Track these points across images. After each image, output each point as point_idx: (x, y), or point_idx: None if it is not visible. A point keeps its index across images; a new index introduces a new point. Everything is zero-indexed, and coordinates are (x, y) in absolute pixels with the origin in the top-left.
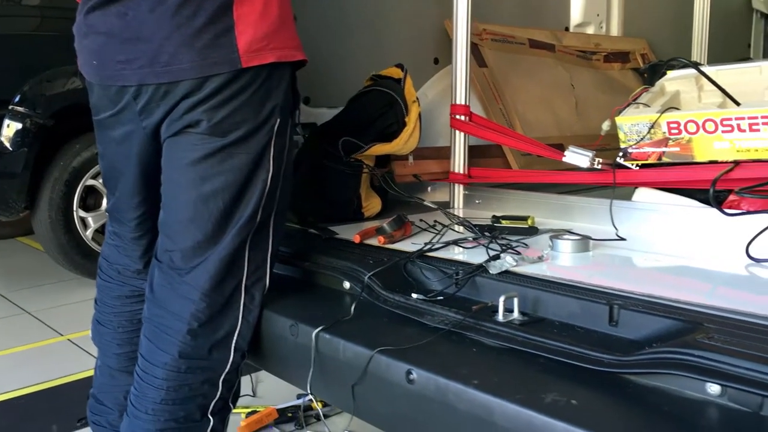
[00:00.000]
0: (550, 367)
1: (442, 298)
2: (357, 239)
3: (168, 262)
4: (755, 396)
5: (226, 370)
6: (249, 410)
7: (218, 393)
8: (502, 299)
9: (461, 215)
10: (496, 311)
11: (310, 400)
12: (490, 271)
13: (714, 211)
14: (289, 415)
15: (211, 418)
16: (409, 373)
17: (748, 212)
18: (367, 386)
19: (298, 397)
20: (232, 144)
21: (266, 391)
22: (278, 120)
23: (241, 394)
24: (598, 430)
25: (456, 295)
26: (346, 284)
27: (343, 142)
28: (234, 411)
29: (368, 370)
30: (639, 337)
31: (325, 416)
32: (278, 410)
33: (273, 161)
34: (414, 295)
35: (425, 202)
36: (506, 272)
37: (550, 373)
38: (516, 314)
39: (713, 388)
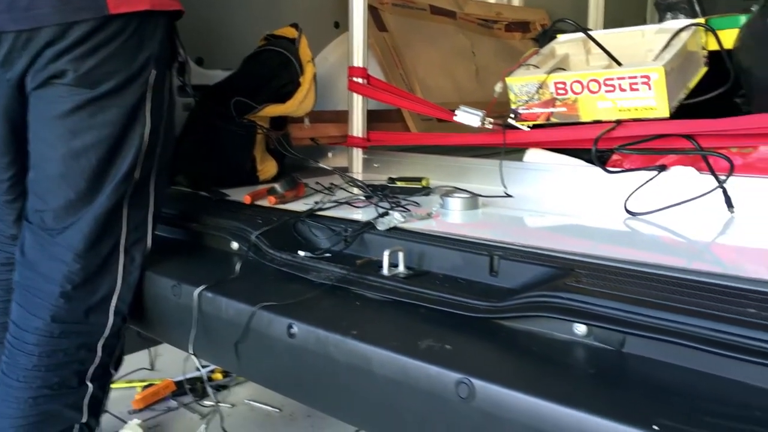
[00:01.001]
0: (429, 317)
1: (329, 255)
2: (247, 200)
3: (39, 223)
4: (618, 334)
5: (105, 334)
6: (145, 383)
7: (97, 358)
8: (386, 253)
9: (360, 179)
10: (382, 266)
11: (212, 371)
12: (378, 228)
13: (598, 170)
14: (188, 387)
15: (89, 384)
16: (290, 327)
17: (629, 170)
18: (250, 343)
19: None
20: (103, 96)
21: (165, 365)
22: (154, 72)
23: (139, 367)
24: (468, 371)
25: (344, 252)
26: (234, 245)
27: (235, 102)
28: (129, 385)
29: (250, 327)
30: (516, 285)
31: (225, 387)
32: (176, 382)
33: (150, 116)
34: (301, 253)
35: (321, 164)
36: (395, 229)
37: (429, 322)
38: (401, 268)
39: (580, 329)
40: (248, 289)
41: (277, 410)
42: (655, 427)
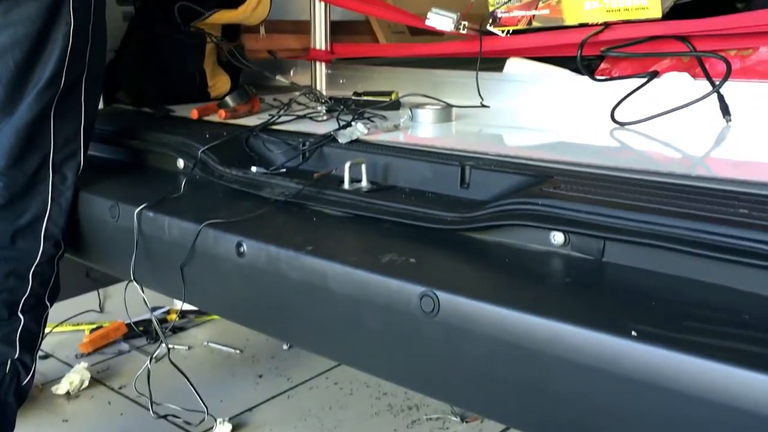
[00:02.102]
0: (393, 231)
1: (285, 170)
2: (194, 114)
3: None
4: (596, 241)
5: (36, 261)
6: (94, 326)
7: (28, 288)
8: (347, 165)
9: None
10: (342, 181)
11: (167, 312)
12: (340, 140)
13: (585, 79)
14: (141, 329)
15: (21, 316)
16: (239, 245)
17: (618, 77)
18: (196, 266)
19: (153, 310)
20: None
21: (116, 307)
22: None
23: (87, 309)
24: (433, 284)
25: (301, 167)
26: (180, 162)
27: (180, 7)
28: (77, 328)
29: (196, 248)
30: (489, 197)
31: (183, 329)
32: (128, 324)
33: (74, 13)
34: (254, 169)
35: (280, 79)
36: (357, 142)
37: (392, 237)
38: (364, 183)
39: (556, 238)
40: (194, 208)
41: (238, 352)
42: (634, 333)
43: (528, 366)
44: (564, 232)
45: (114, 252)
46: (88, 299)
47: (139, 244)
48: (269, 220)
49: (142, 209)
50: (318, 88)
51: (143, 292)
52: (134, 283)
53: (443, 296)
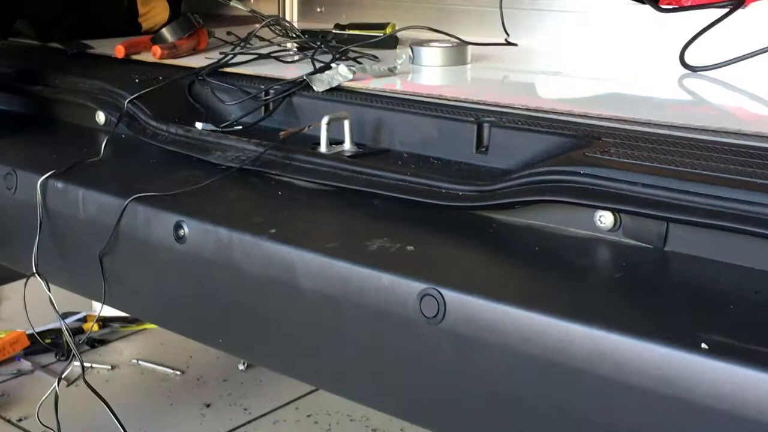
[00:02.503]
0: (385, 210)
1: (240, 128)
2: (120, 52)
3: None
4: (657, 224)
5: None
6: None
7: None
8: (325, 121)
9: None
10: (318, 142)
11: (83, 320)
12: (315, 88)
13: (646, 9)
14: (48, 341)
15: None
16: (178, 227)
17: (690, 7)
18: (121, 255)
19: (64, 317)
20: None
21: (14, 312)
22: None
23: None
24: (437, 279)
25: (263, 124)
26: (100, 117)
27: None
28: None
29: (121, 230)
30: (515, 164)
31: (104, 342)
32: (30, 335)
33: None
34: (199, 125)
35: (235, 4)
36: (339, 90)
37: (384, 217)
38: (347, 145)
39: (604, 219)
40: (118, 176)
41: (178, 373)
42: (705, 346)
43: (565, 389)
44: (614, 211)
45: (10, 236)
46: None
47: (44, 225)
48: (219, 193)
49: (47, 178)
50: (287, 18)
51: (49, 290)
52: (37, 278)
53: (451, 296)
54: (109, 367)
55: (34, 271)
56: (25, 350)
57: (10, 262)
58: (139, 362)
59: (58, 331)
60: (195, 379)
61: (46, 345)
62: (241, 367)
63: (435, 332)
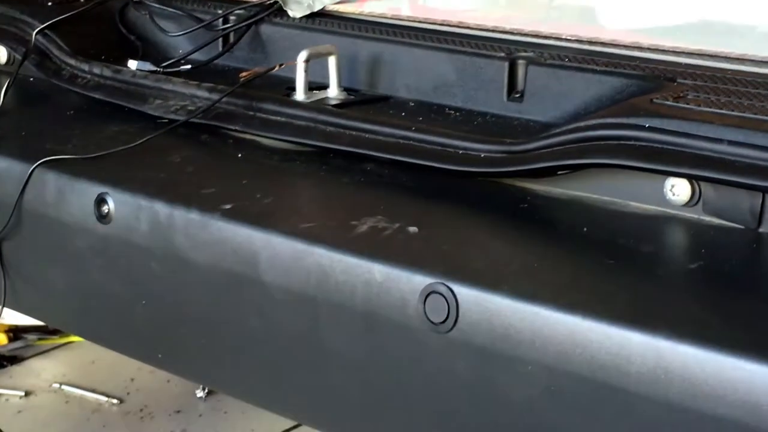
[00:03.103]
0: (381, 177)
1: (189, 67)
2: None
3: None
4: (750, 197)
5: None
6: None
7: None
8: (302, 59)
9: None
10: (293, 87)
11: None
12: (290, 13)
13: None
14: None
15: None
16: (101, 201)
17: None
18: (26, 238)
19: None
20: None
21: None
22: None
23: None
24: (448, 273)
25: (220, 63)
26: (1, 53)
27: None
28: None
29: (24, 204)
30: (558, 116)
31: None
32: None
33: None
34: (132, 64)
35: None
36: (322, 15)
37: (380, 187)
38: (333, 90)
39: (677, 189)
40: (22, 133)
41: (115, 401)
42: None
43: (619, 421)
44: (691, 178)
45: None
46: None
47: None
48: (157, 156)
49: None
50: None
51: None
52: None
53: (465, 294)
54: (23, 394)
55: None
56: None
57: None
58: (63, 387)
59: None
60: (138, 410)
61: None
62: (199, 393)
63: (443, 342)
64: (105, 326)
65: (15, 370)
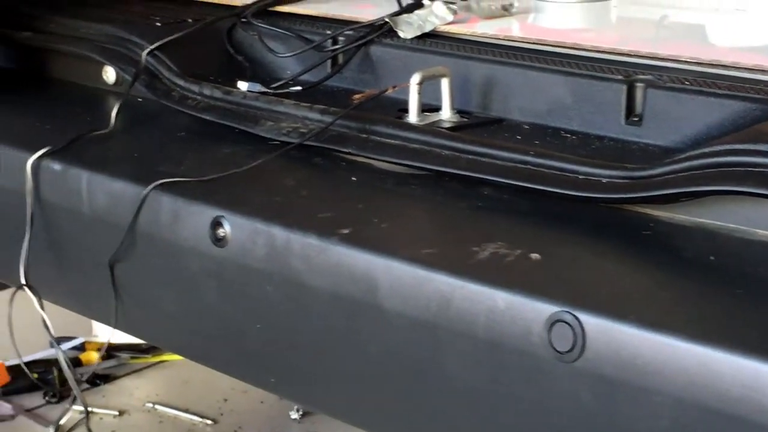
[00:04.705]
0: (500, 202)
1: (299, 89)
2: None
3: None
4: None
5: None
6: None
7: None
8: (415, 81)
9: None
10: (406, 109)
11: (80, 348)
12: (401, 34)
13: None
14: (35, 376)
15: None
16: (216, 224)
17: None
18: (138, 261)
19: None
20: None
21: None
22: None
23: None
24: (574, 301)
25: (330, 84)
26: (109, 73)
27: None
28: None
29: (139, 228)
30: (681, 140)
31: (109, 378)
32: (12, 368)
33: None
34: (242, 85)
35: None
36: (434, 36)
37: (499, 212)
38: (446, 112)
39: None
40: (135, 155)
41: (209, 422)
42: None
43: None
44: None
45: None
46: None
47: (36, 220)
48: (272, 179)
49: (40, 158)
50: None
51: (43, 308)
52: (27, 292)
53: (591, 323)
54: (116, 413)
55: (23, 282)
56: (4, 388)
57: None
58: (156, 407)
59: (47, 363)
60: (231, 431)
61: (34, 381)
62: (294, 415)
63: (569, 373)
64: (217, 349)
65: (108, 389)
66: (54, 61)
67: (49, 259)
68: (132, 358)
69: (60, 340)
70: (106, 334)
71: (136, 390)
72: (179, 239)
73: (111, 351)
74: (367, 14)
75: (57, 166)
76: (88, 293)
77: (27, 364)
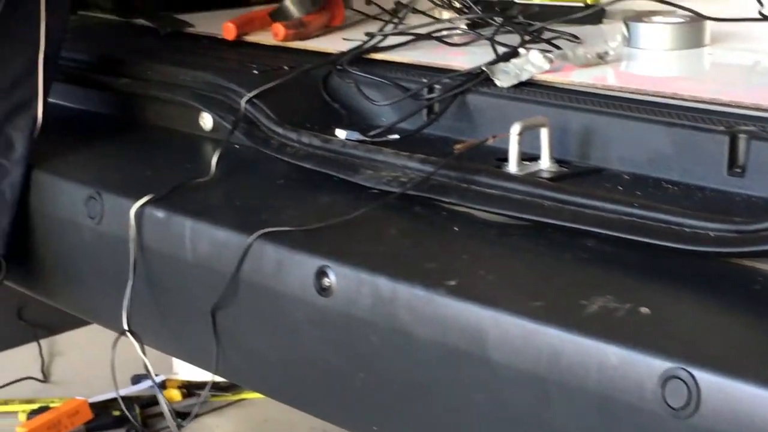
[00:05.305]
0: (605, 254)
1: (397, 137)
2: (230, 32)
3: None
4: None
5: None
6: (35, 406)
7: None
8: (516, 131)
9: None
10: (506, 159)
11: (161, 385)
12: (498, 83)
13: None
14: (116, 413)
15: None
16: (322, 274)
17: None
18: (242, 309)
19: (135, 381)
20: None
21: (70, 374)
22: None
23: (22, 376)
24: (687, 357)
25: (427, 132)
26: (207, 120)
27: None
28: (6, 408)
29: (242, 276)
30: None
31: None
32: (94, 405)
33: None
34: (341, 133)
35: None
36: (531, 85)
37: (606, 264)
38: (546, 162)
39: None
40: (237, 203)
41: None
42: None
43: None
44: None
45: (91, 278)
46: (22, 357)
47: (139, 266)
48: (374, 228)
49: (143, 205)
50: None
51: (144, 353)
52: (129, 337)
53: (707, 380)
54: None
55: (125, 328)
56: (87, 425)
57: (88, 313)
58: None
59: (130, 400)
60: None
61: (113, 417)
62: None
63: (683, 428)
64: (320, 397)
65: (189, 427)
66: (150, 107)
67: (150, 305)
68: (212, 395)
69: (140, 378)
70: (186, 371)
71: (216, 428)
72: (283, 288)
73: (191, 388)
74: (460, 62)
75: (160, 214)
76: (189, 339)
77: (110, 401)
